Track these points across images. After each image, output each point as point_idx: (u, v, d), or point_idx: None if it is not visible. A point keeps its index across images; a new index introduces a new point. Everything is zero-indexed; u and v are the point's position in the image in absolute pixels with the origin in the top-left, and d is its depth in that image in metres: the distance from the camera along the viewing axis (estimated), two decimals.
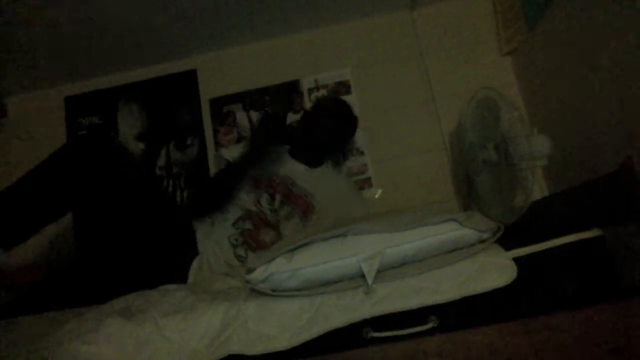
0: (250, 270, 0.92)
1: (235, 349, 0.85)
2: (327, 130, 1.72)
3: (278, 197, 1.69)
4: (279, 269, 0.90)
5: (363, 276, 0.90)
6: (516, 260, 0.95)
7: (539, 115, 1.94)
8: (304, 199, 1.71)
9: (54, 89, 2.31)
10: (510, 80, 2.12)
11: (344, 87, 2.26)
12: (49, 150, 2.14)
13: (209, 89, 2.29)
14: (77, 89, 2.31)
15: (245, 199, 1.67)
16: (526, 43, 1.96)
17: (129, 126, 2.24)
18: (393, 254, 0.92)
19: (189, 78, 2.29)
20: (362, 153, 2.18)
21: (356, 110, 2.18)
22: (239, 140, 2.24)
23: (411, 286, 0.90)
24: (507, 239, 1.02)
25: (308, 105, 2.25)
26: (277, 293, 0.91)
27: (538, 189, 1.44)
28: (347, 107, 1.83)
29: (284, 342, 0.86)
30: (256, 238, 1.55)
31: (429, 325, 0.87)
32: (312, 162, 1.79)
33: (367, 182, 2.15)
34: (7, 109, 2.31)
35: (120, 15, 1.89)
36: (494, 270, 0.93)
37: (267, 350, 0.86)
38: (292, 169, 1.75)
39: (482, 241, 0.99)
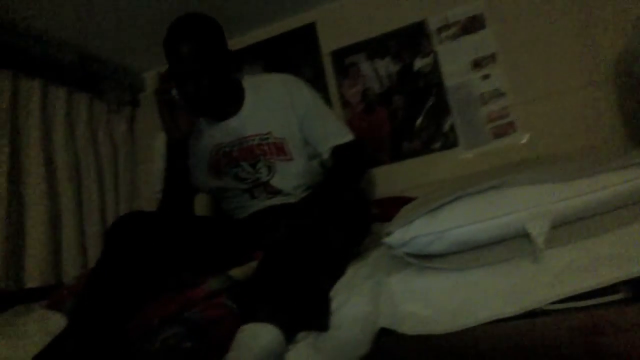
0: (388, 233, 0.81)
1: (387, 324, 0.77)
2: (188, 59, 1.27)
3: (245, 164, 1.45)
4: (423, 230, 0.78)
5: (526, 236, 0.74)
6: None
7: None
8: (265, 142, 1.44)
9: None
10: None
11: (477, 22, 2.00)
12: None
13: (329, 41, 2.18)
14: None
15: (221, 182, 1.49)
16: None
17: None
18: (564, 210, 0.74)
19: (309, 32, 2.21)
20: (502, 94, 1.93)
21: (493, 48, 1.94)
22: (364, 92, 2.12)
23: (594, 252, 0.72)
24: None
25: (437, 47, 2.03)
26: (423, 263, 0.79)
27: None
28: (196, 19, 1.35)
29: (438, 326, 0.75)
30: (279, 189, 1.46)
31: (618, 297, 0.69)
32: (225, 107, 1.45)
33: (510, 127, 1.90)
34: (145, 83, 2.46)
35: None
36: None
37: (419, 331, 0.76)
38: (225, 129, 1.45)
39: None
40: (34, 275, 1.77)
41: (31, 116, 1.91)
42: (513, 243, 0.77)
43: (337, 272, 0.99)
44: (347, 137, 1.50)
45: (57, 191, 1.96)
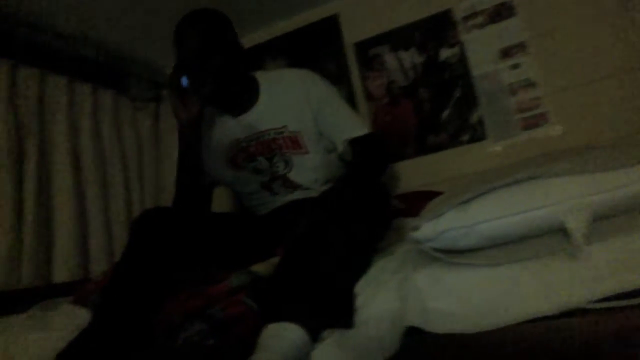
0: (415, 228, 0.78)
1: (414, 321, 0.73)
2: (192, 51, 1.32)
3: (262, 158, 1.46)
4: (453, 224, 0.74)
5: (563, 231, 0.70)
6: None
7: None
8: (281, 136, 1.44)
9: None
10: None
11: (505, 9, 1.93)
12: None
13: (352, 33, 2.16)
14: None
15: (240, 174, 1.50)
16: None
17: None
18: (605, 203, 0.70)
19: (331, 24, 2.17)
20: (533, 84, 1.86)
21: (523, 35, 1.87)
22: (389, 85, 2.07)
23: (638, 248, 0.67)
24: None
25: (464, 37, 1.97)
26: (451, 258, 0.76)
27: None
28: (204, 11, 1.40)
29: (468, 324, 0.71)
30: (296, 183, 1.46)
31: None
32: (240, 102, 1.45)
33: (541, 118, 1.84)
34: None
35: None
36: None
37: (447, 330, 0.72)
38: (241, 125, 1.45)
39: None
40: (62, 270, 1.79)
41: (58, 113, 1.94)
42: (549, 238, 0.73)
43: (360, 268, 0.96)
44: (363, 130, 1.48)
45: (84, 187, 1.98)
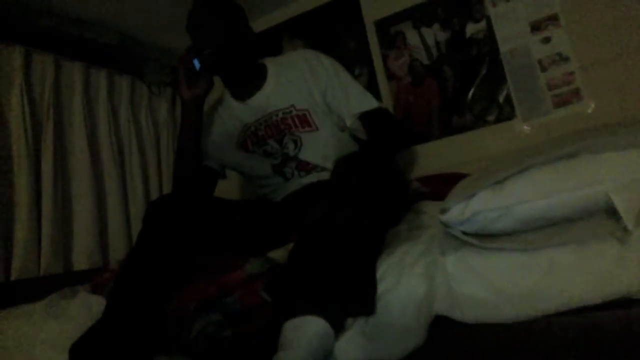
0: (444, 210, 0.72)
1: (441, 309, 0.67)
2: (199, 25, 1.38)
3: (271, 141, 1.45)
4: (486, 205, 0.68)
5: (610, 212, 0.63)
6: None
7: None
8: (289, 116, 1.43)
9: None
10: None
11: None
12: None
13: (372, 11, 2.07)
14: None
15: (252, 157, 1.50)
16: None
17: None
18: None
19: (351, 1, 2.09)
20: (565, 59, 1.75)
21: (555, 7, 1.76)
22: (411, 63, 1.99)
23: None
24: None
25: (491, 10, 1.87)
26: (484, 244, 0.69)
27: None
28: None
29: (502, 313, 0.65)
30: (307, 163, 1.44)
31: None
32: (248, 85, 1.46)
33: (574, 95, 1.73)
34: None
35: None
36: None
37: (479, 319, 0.66)
38: (250, 108, 1.46)
39: None
40: (81, 258, 1.79)
41: (74, 99, 1.92)
42: (594, 220, 0.66)
43: (375, 252, 0.91)
44: (372, 104, 1.44)
45: (102, 173, 1.97)
